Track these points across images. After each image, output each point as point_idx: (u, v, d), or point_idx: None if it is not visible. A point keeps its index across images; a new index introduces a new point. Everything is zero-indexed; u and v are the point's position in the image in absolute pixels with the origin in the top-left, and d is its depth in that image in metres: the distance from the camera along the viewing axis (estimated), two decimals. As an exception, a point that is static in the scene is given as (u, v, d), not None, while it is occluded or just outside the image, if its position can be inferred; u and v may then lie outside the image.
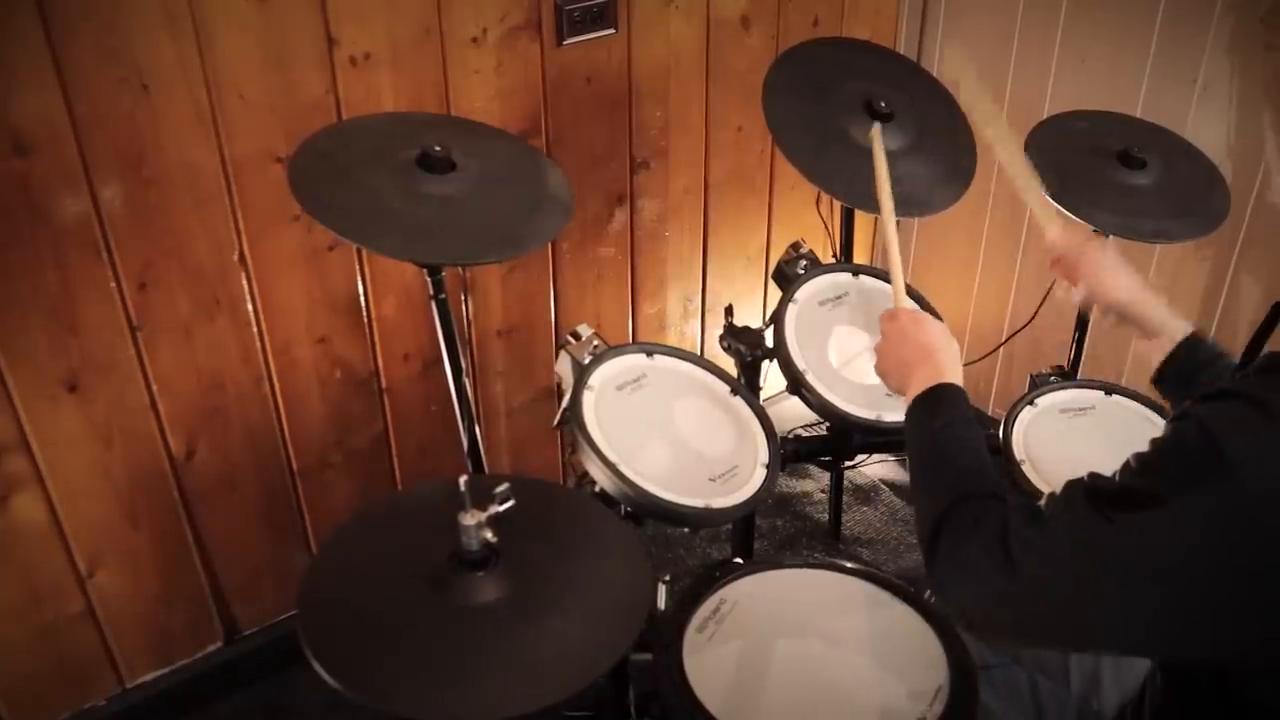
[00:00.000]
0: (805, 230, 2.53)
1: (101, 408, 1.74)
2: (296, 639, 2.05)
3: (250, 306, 1.82)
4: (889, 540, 2.42)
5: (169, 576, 1.94)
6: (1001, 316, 2.53)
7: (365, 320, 1.96)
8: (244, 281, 1.80)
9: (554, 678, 1.06)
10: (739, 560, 1.72)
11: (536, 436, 2.33)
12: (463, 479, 1.09)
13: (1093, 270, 1.48)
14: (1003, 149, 1.61)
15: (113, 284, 1.67)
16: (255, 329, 1.84)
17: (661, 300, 2.37)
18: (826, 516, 2.46)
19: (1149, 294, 1.45)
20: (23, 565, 1.77)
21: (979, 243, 2.53)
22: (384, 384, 2.04)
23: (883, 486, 2.56)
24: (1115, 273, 1.46)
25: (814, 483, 2.55)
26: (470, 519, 1.11)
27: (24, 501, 1.73)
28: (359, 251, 1.89)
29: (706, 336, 2.51)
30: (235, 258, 1.77)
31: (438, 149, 1.39)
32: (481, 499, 1.13)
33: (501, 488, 1.12)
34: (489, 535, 1.12)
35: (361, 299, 1.94)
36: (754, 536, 2.01)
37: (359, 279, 1.92)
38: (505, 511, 1.13)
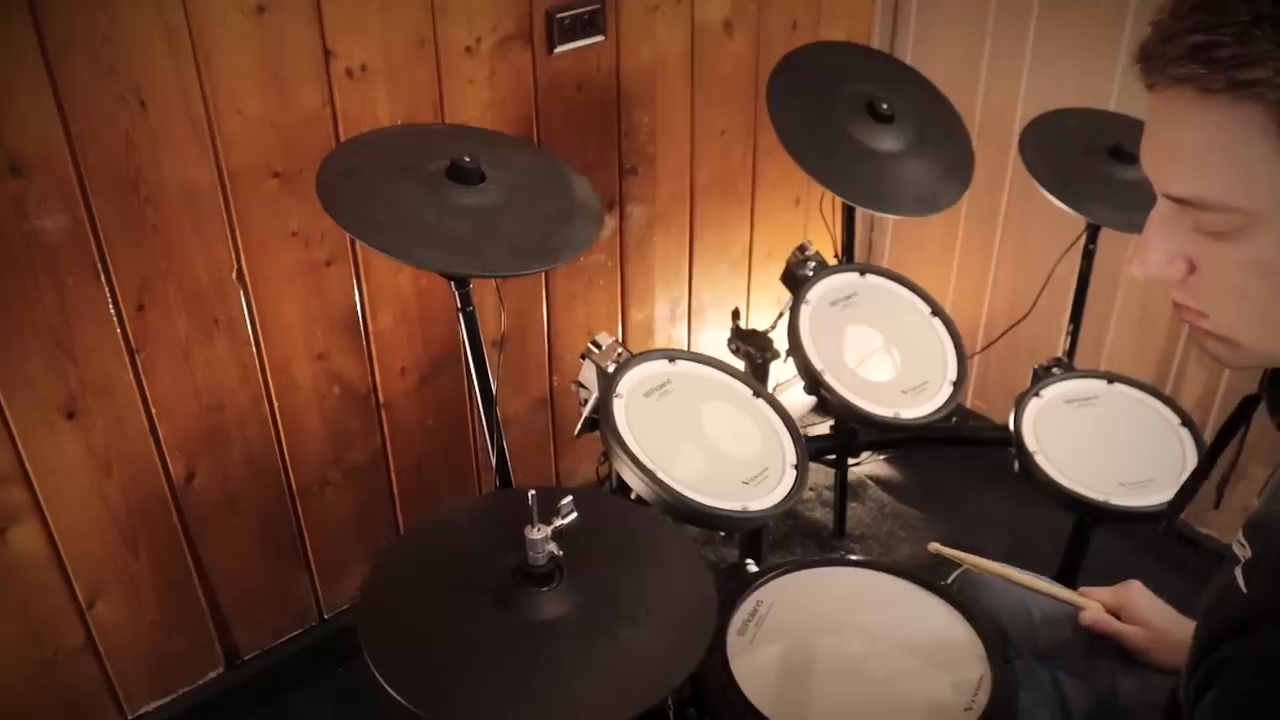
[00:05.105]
0: (786, 231, 2.56)
1: (100, 434, 1.70)
2: (298, 662, 2.08)
3: (249, 325, 1.79)
4: (880, 535, 2.45)
5: (169, 603, 1.89)
6: (978, 312, 2.58)
7: (363, 335, 1.94)
8: (242, 300, 1.76)
9: (633, 690, 1.05)
10: (750, 562, 1.73)
11: (531, 446, 2.32)
12: (531, 492, 1.08)
13: (1137, 613, 1.37)
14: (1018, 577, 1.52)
15: (110, 306, 1.63)
16: (254, 348, 1.81)
17: (650, 305, 2.38)
18: (819, 515, 2.49)
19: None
20: (22, 599, 1.71)
21: (954, 238, 2.57)
22: (381, 399, 2.02)
23: (870, 483, 2.60)
24: (1152, 604, 1.38)
25: (802, 481, 2.57)
26: (536, 533, 1.10)
27: (23, 533, 1.67)
28: (356, 266, 1.87)
29: (693, 340, 2.52)
30: (233, 276, 1.74)
31: (468, 159, 1.38)
32: (545, 512, 1.12)
33: (565, 500, 1.12)
34: (555, 549, 1.12)
35: (359, 314, 1.91)
36: (763, 538, 2.03)
37: (356, 293, 1.89)
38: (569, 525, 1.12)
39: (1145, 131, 0.81)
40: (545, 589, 1.13)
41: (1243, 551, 0.89)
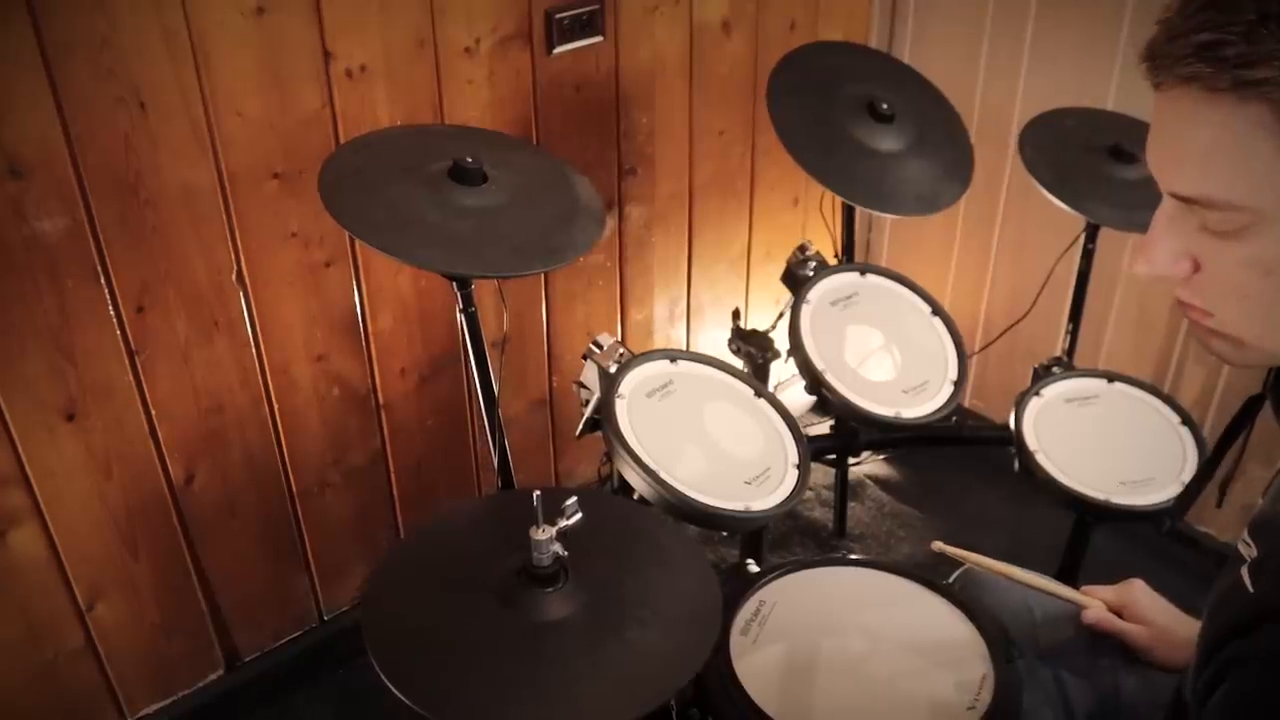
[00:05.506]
0: (784, 231, 2.56)
1: (100, 436, 1.69)
2: (298, 664, 2.07)
3: (248, 327, 1.78)
4: (879, 534, 2.46)
5: (169, 606, 1.89)
6: (976, 311, 2.58)
7: (362, 336, 1.94)
8: (242, 301, 1.76)
9: (639, 690, 1.05)
10: (751, 562, 1.73)
11: (531, 446, 2.31)
12: (536, 492, 1.08)
13: (1140, 611, 1.38)
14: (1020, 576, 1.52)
15: (110, 308, 1.63)
16: (254, 349, 1.81)
17: (649, 305, 2.38)
18: (818, 514, 2.49)
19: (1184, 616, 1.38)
20: (22, 602, 1.71)
21: (953, 238, 2.57)
22: (381, 400, 2.01)
23: (869, 482, 2.60)
24: (1154, 603, 1.38)
25: (800, 481, 2.57)
26: (542, 534, 1.10)
27: (23, 536, 1.67)
28: (356, 267, 1.87)
29: (692, 340, 2.51)
30: (233, 277, 1.74)
31: (470, 160, 1.38)
32: (550, 513, 1.12)
33: (570, 501, 1.12)
34: (560, 549, 1.12)
35: (359, 315, 1.91)
36: (763, 538, 2.02)
37: (356, 294, 1.89)
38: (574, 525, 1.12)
39: (1151, 131, 0.81)
40: (550, 590, 1.13)
41: (1248, 551, 0.89)
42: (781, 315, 1.80)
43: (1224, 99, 0.73)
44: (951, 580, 1.52)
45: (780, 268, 1.89)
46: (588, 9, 1.95)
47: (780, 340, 1.85)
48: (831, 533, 2.46)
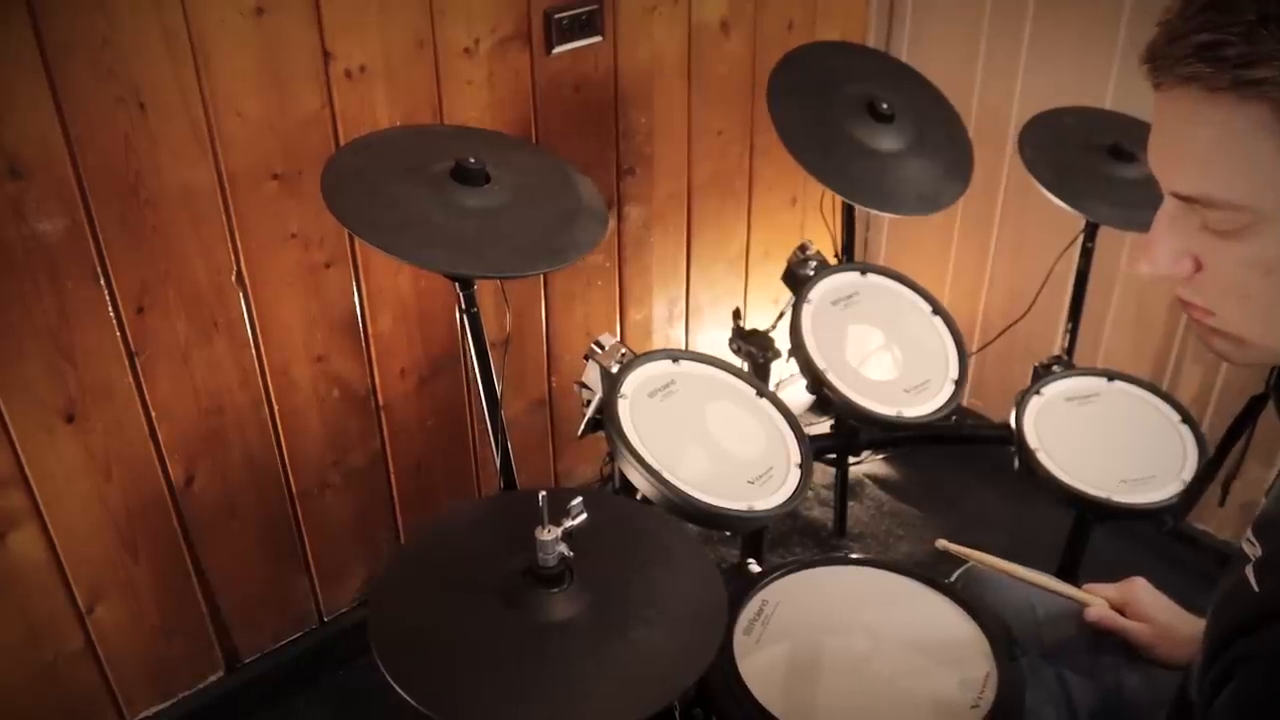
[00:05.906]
0: (783, 231, 2.56)
1: (100, 437, 1.69)
2: (298, 665, 2.07)
3: (248, 327, 1.78)
4: (879, 534, 2.46)
5: (169, 607, 1.88)
6: (975, 310, 2.59)
7: (362, 337, 1.93)
8: (242, 302, 1.76)
9: (645, 690, 1.05)
10: (752, 561, 1.73)
11: (530, 446, 2.31)
12: (542, 493, 1.08)
13: (1142, 609, 1.38)
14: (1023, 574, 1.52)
15: (110, 309, 1.63)
16: (253, 350, 1.80)
17: (648, 305, 2.38)
18: (817, 514, 2.49)
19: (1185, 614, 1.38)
20: (21, 604, 1.71)
21: (951, 238, 2.58)
22: (381, 401, 2.01)
23: (868, 482, 2.60)
24: (1156, 601, 1.38)
25: (799, 480, 2.57)
26: (547, 534, 1.10)
27: (22, 538, 1.67)
28: (356, 267, 1.87)
29: (691, 340, 2.52)
30: (233, 278, 1.73)
31: (473, 160, 1.38)
32: (555, 513, 1.12)
33: (575, 501, 1.12)
34: (565, 550, 1.12)
35: (358, 315, 1.91)
36: (764, 538, 2.03)
37: (356, 295, 1.89)
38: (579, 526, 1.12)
39: (1152, 131, 0.82)
40: (555, 590, 1.13)
41: (1253, 550, 0.90)
42: (782, 315, 1.80)
43: (1224, 99, 0.74)
44: (953, 579, 1.53)
45: (778, 267, 1.90)
46: (587, 9, 1.95)
47: (780, 340, 1.85)
48: (831, 532, 2.46)
